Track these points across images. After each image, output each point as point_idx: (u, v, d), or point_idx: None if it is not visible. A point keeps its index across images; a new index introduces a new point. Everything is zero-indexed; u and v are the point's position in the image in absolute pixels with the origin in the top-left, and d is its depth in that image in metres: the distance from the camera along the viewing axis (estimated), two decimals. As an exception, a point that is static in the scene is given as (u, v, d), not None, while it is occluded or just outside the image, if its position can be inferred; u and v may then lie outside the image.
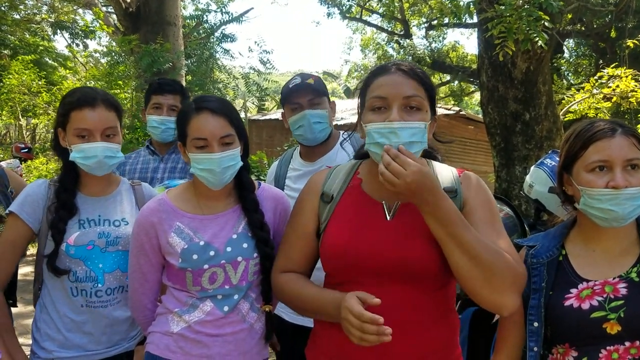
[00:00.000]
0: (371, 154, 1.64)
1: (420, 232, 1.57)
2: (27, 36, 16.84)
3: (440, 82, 20.11)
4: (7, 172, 2.74)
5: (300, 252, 1.76)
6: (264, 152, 8.02)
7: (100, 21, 11.76)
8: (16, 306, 2.48)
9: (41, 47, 16.82)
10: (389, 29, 19.58)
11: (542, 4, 4.99)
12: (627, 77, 7.18)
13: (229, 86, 11.86)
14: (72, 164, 2.11)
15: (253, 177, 2.17)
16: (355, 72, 25.53)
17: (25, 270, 3.45)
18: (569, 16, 9.31)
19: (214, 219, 1.93)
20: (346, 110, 14.34)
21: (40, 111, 13.82)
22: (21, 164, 10.00)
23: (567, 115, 8.04)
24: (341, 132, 2.68)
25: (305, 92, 2.52)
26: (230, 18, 12.41)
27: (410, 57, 15.91)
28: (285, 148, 6.77)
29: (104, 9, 12.53)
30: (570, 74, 16.54)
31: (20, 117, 15.86)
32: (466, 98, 24.15)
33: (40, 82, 13.52)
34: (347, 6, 17.47)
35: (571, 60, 16.61)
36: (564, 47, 14.65)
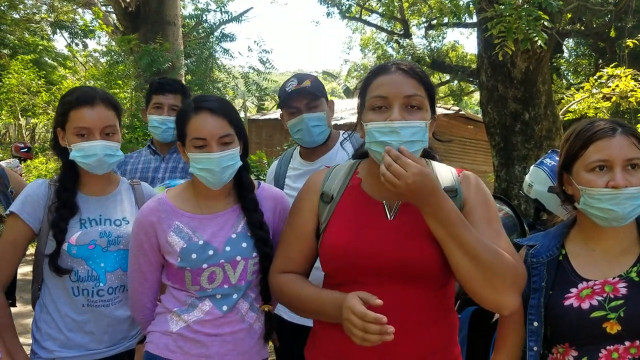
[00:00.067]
0: (372, 153, 1.64)
1: (421, 232, 1.57)
2: (27, 36, 16.83)
3: (439, 81, 20.12)
4: (7, 172, 2.74)
5: (299, 252, 1.76)
6: (264, 152, 8.00)
7: (99, 21, 11.75)
8: (15, 306, 2.48)
9: (40, 47, 16.80)
10: (389, 28, 19.59)
11: (541, 4, 4.99)
12: (626, 76, 7.17)
13: (229, 86, 11.87)
14: (71, 164, 2.11)
15: (252, 177, 2.17)
16: (354, 72, 25.52)
17: (25, 270, 3.44)
18: (569, 16, 9.31)
19: (213, 218, 1.93)
20: (346, 109, 14.35)
21: (40, 111, 13.80)
22: (20, 163, 9.99)
23: (566, 115, 8.03)
24: (341, 131, 2.68)
25: (303, 96, 2.51)
26: (229, 17, 12.41)
27: (410, 57, 15.92)
28: (285, 148, 6.77)
29: (103, 8, 12.52)
30: (569, 74, 16.55)
31: (19, 116, 15.84)
32: (466, 98, 24.16)
33: (39, 82, 13.50)
34: (347, 6, 17.48)
35: (571, 59, 16.62)
36: (564, 47, 14.66)
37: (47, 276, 2.13)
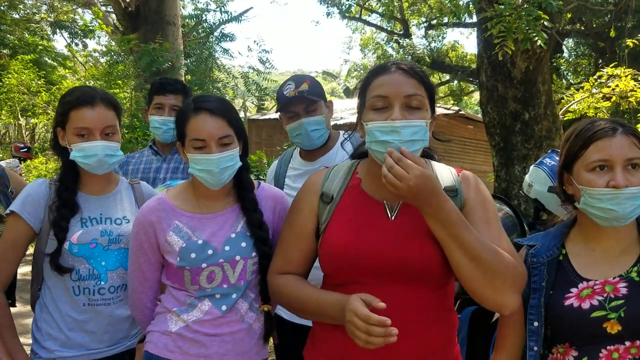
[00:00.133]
0: (372, 152, 1.64)
1: (422, 232, 1.57)
2: (27, 36, 16.82)
3: (439, 81, 20.11)
4: (7, 172, 2.74)
5: (298, 253, 1.75)
6: (264, 152, 8.00)
7: (99, 20, 11.74)
8: (15, 306, 2.48)
9: (40, 47, 16.80)
10: (389, 28, 19.58)
11: (541, 4, 4.99)
12: (626, 76, 7.17)
13: (229, 86, 11.86)
14: (72, 163, 2.12)
15: (252, 177, 2.17)
16: (354, 72, 25.51)
17: (24, 270, 3.44)
18: (569, 16, 9.32)
19: (212, 218, 1.93)
20: (346, 109, 14.35)
21: (40, 111, 13.80)
22: (20, 163, 9.99)
23: (566, 115, 8.04)
24: (341, 132, 2.68)
25: (300, 101, 2.51)
26: (229, 17, 12.40)
27: (410, 57, 15.92)
28: (285, 147, 6.77)
29: (103, 8, 12.51)
30: (569, 74, 16.55)
31: (19, 116, 15.84)
32: (465, 98, 24.16)
33: (39, 82, 13.49)
34: (347, 6, 17.47)
35: (570, 59, 16.62)
36: (564, 47, 14.66)
37: (47, 276, 2.13)
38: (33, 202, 2.10)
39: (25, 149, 12.90)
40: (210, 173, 1.86)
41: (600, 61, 13.27)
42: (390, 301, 1.48)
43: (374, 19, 19.55)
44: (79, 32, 16.68)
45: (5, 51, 16.00)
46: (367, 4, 18.19)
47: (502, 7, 5.03)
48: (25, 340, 2.15)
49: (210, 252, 1.87)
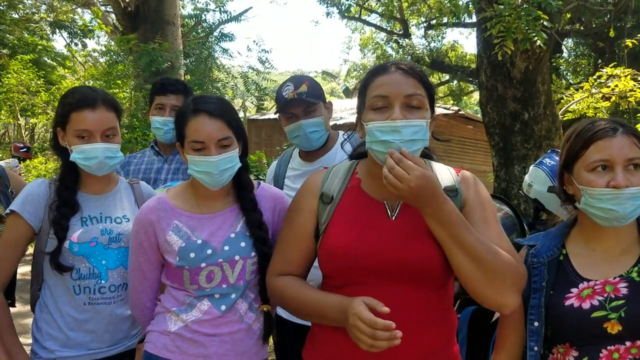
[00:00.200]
0: (372, 152, 1.63)
1: (422, 232, 1.58)
2: (26, 35, 16.81)
3: (439, 81, 20.11)
4: (7, 172, 2.74)
5: (298, 254, 1.75)
6: (263, 152, 7.99)
7: (98, 20, 11.73)
8: (14, 306, 2.48)
9: (40, 47, 16.79)
10: (388, 28, 19.58)
11: (541, 4, 4.99)
12: (626, 76, 7.17)
13: (228, 85, 11.84)
14: (72, 163, 2.12)
15: (252, 177, 2.17)
16: (354, 72, 25.49)
17: (24, 270, 3.44)
18: (568, 16, 9.32)
19: (211, 217, 1.93)
20: (345, 109, 14.36)
21: (39, 110, 13.79)
22: (20, 163, 9.99)
23: (566, 115, 8.04)
24: (340, 132, 2.68)
25: (299, 103, 2.50)
26: (229, 17, 12.39)
27: (409, 57, 15.92)
28: (284, 147, 6.76)
29: (102, 8, 12.50)
30: (569, 74, 16.55)
31: (18, 116, 15.84)
32: (465, 98, 24.15)
33: (39, 82, 13.48)
34: (346, 5, 17.47)
35: (570, 59, 16.63)
36: (563, 47, 14.66)
37: (47, 275, 2.13)
38: (33, 201, 2.10)
39: (25, 149, 12.90)
40: (209, 175, 1.86)
41: (600, 61, 13.27)
42: (391, 301, 1.48)
43: (374, 18, 19.55)
44: (79, 31, 16.68)
45: (4, 51, 15.99)
46: (366, 3, 18.19)
47: (502, 7, 5.03)
48: (25, 340, 2.15)
49: (209, 251, 1.87)
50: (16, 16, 16.42)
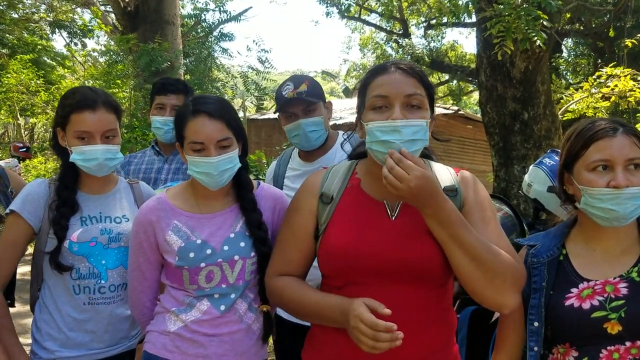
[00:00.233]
0: (372, 152, 1.63)
1: (422, 231, 1.58)
2: (26, 35, 16.80)
3: (438, 81, 20.11)
4: (7, 172, 2.74)
5: (297, 254, 1.75)
6: (263, 152, 7.99)
7: (98, 20, 11.73)
8: (14, 306, 2.47)
9: (39, 46, 16.77)
10: (388, 28, 19.58)
11: (540, 3, 4.99)
12: (625, 76, 7.17)
13: (228, 85, 11.84)
14: (71, 163, 2.12)
15: (252, 177, 2.16)
16: (354, 72, 25.48)
17: (24, 270, 3.43)
18: (568, 15, 9.32)
19: (211, 217, 1.93)
20: (345, 109, 14.35)
21: (39, 110, 13.78)
22: (19, 163, 9.98)
23: (565, 115, 8.04)
24: (340, 132, 2.68)
25: (298, 102, 2.50)
26: (228, 17, 12.39)
27: (409, 57, 15.92)
28: (284, 147, 6.76)
29: (102, 7, 12.50)
30: (568, 74, 16.55)
31: (18, 116, 15.83)
32: (465, 97, 24.14)
33: (38, 81, 13.47)
34: (346, 5, 17.47)
35: (570, 59, 16.63)
36: (563, 47, 14.66)
37: (47, 275, 2.13)
38: (33, 201, 2.10)
39: (24, 149, 12.91)
40: (209, 176, 1.86)
41: (600, 61, 13.27)
42: (391, 301, 1.48)
43: (373, 18, 19.55)
44: (78, 31, 16.66)
45: (4, 51, 15.98)
46: (366, 3, 18.19)
47: (502, 6, 5.03)
48: (25, 340, 2.14)
49: (208, 251, 1.86)
50: (16, 16, 16.41)
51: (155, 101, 3.12)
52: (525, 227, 2.53)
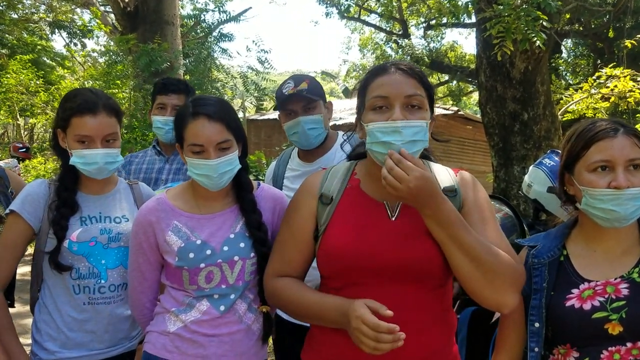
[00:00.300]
0: (372, 153, 1.63)
1: (422, 232, 1.57)
2: (25, 35, 16.80)
3: (438, 82, 20.11)
4: (7, 173, 2.74)
5: (296, 255, 1.74)
6: (262, 152, 7.99)
7: (98, 20, 11.73)
8: (14, 307, 2.47)
9: (39, 47, 16.77)
10: (388, 28, 19.58)
11: (540, 4, 5.00)
12: (625, 77, 7.18)
13: (227, 86, 11.85)
14: (71, 164, 2.11)
15: (251, 177, 2.16)
16: (353, 72, 25.48)
17: (23, 270, 3.43)
18: (567, 16, 9.33)
19: (211, 218, 1.93)
20: (344, 110, 14.34)
21: (38, 111, 13.76)
22: (19, 163, 9.98)
23: (565, 115, 8.05)
24: (340, 132, 2.67)
25: (299, 99, 2.50)
26: (228, 17, 12.39)
27: (409, 57, 15.92)
28: (284, 148, 6.76)
29: (102, 8, 12.50)
30: (568, 74, 16.56)
31: (18, 116, 15.83)
32: (464, 98, 24.15)
33: (38, 82, 13.45)
34: (346, 6, 17.46)
35: (569, 60, 16.64)
36: (562, 47, 14.67)
37: (47, 275, 2.13)
38: (33, 201, 2.10)
39: (24, 149, 12.90)
40: (208, 178, 1.86)
41: (599, 61, 13.28)
42: (391, 302, 1.48)
43: (373, 19, 19.56)
44: (78, 32, 16.68)
45: (3, 51, 15.98)
46: (366, 4, 18.19)
47: (501, 7, 5.04)
48: (25, 340, 2.14)
49: (208, 252, 1.86)
50: (15, 16, 16.41)
51: (157, 101, 3.12)
52: (526, 228, 2.53)
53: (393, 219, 1.64)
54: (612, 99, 7.53)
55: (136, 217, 1.97)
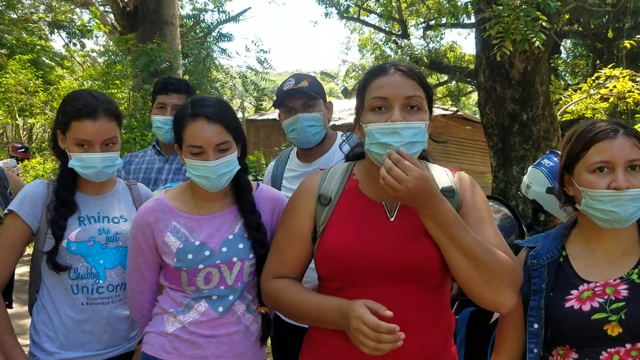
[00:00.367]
0: (372, 154, 1.63)
1: (421, 232, 1.57)
2: (24, 35, 16.80)
3: (437, 82, 20.13)
4: (6, 174, 2.73)
5: (294, 256, 1.74)
6: (262, 152, 8.00)
7: (97, 20, 11.73)
8: (11, 307, 2.47)
9: (38, 47, 16.79)
10: (387, 29, 19.58)
11: (539, 4, 5.00)
12: (624, 77, 7.19)
13: (227, 86, 11.86)
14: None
15: (250, 178, 2.16)
16: (353, 72, 25.49)
17: (22, 271, 3.43)
18: (567, 16, 9.34)
19: (210, 219, 1.92)
20: (344, 110, 14.34)
21: (37, 111, 13.77)
22: (18, 163, 9.98)
23: (564, 116, 8.06)
24: (339, 133, 2.67)
25: (299, 96, 2.49)
26: (227, 17, 12.41)
27: (408, 57, 15.92)
28: (283, 148, 6.76)
29: (101, 8, 12.50)
30: (567, 75, 16.58)
31: (17, 116, 15.83)
32: (463, 98, 24.17)
33: (37, 82, 13.46)
34: (345, 6, 17.46)
35: (568, 60, 16.66)
36: (562, 48, 14.68)
37: (45, 275, 2.13)
38: (31, 201, 2.10)
39: (23, 149, 12.91)
40: (207, 179, 1.85)
41: (598, 62, 13.30)
42: (391, 302, 1.48)
43: (373, 19, 19.56)
44: (77, 32, 16.68)
45: (2, 51, 15.98)
46: (365, 4, 18.20)
47: (501, 7, 5.04)
48: (22, 341, 2.14)
49: (207, 253, 1.86)
50: (14, 16, 16.41)
51: (157, 100, 3.11)
52: (525, 229, 2.53)
53: (392, 219, 1.64)
54: (611, 99, 7.54)
55: (135, 218, 1.96)
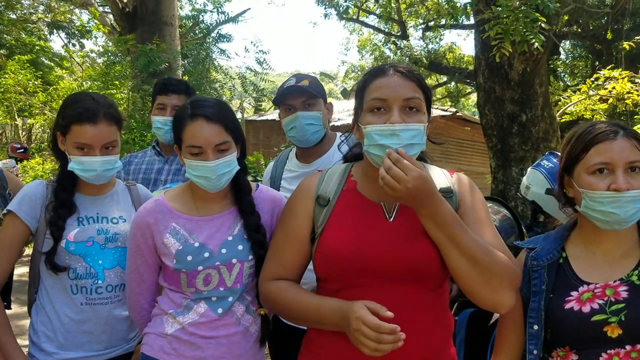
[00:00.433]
0: (370, 156, 1.63)
1: (420, 232, 1.57)
2: (24, 36, 16.80)
3: (437, 83, 20.14)
4: (5, 174, 2.73)
5: (293, 258, 1.73)
6: (261, 153, 8.01)
7: (96, 21, 11.73)
8: (10, 308, 2.47)
9: (37, 47, 16.79)
10: (386, 30, 19.59)
11: (538, 6, 5.00)
12: (623, 78, 7.20)
13: (226, 87, 11.86)
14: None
15: (250, 178, 2.16)
16: (352, 73, 25.47)
17: (21, 271, 3.43)
18: (566, 18, 9.34)
19: (209, 220, 1.92)
20: (343, 111, 14.33)
21: (37, 111, 13.77)
22: (17, 164, 9.98)
23: (563, 117, 8.07)
24: (338, 133, 2.67)
25: (299, 94, 2.49)
26: (226, 18, 12.41)
27: (407, 58, 15.93)
28: (282, 148, 6.76)
29: (100, 8, 12.51)
30: (566, 76, 16.59)
31: (16, 117, 15.83)
32: (463, 99, 24.17)
33: (36, 82, 13.47)
34: (344, 7, 17.47)
35: (567, 61, 16.67)
36: (561, 49, 14.69)
37: (44, 276, 2.12)
38: (30, 201, 2.10)
39: (22, 150, 12.91)
40: (207, 179, 1.85)
41: (597, 63, 13.32)
42: (391, 302, 1.48)
43: (372, 20, 19.56)
44: (76, 32, 16.68)
45: (2, 51, 15.98)
46: (364, 5, 18.20)
47: (500, 9, 5.04)
48: (21, 342, 2.14)
49: (206, 254, 1.86)
50: (14, 16, 16.42)
51: (157, 101, 3.11)
52: (524, 230, 2.53)
53: (390, 220, 1.64)
54: (610, 100, 7.55)
55: (134, 219, 1.96)
